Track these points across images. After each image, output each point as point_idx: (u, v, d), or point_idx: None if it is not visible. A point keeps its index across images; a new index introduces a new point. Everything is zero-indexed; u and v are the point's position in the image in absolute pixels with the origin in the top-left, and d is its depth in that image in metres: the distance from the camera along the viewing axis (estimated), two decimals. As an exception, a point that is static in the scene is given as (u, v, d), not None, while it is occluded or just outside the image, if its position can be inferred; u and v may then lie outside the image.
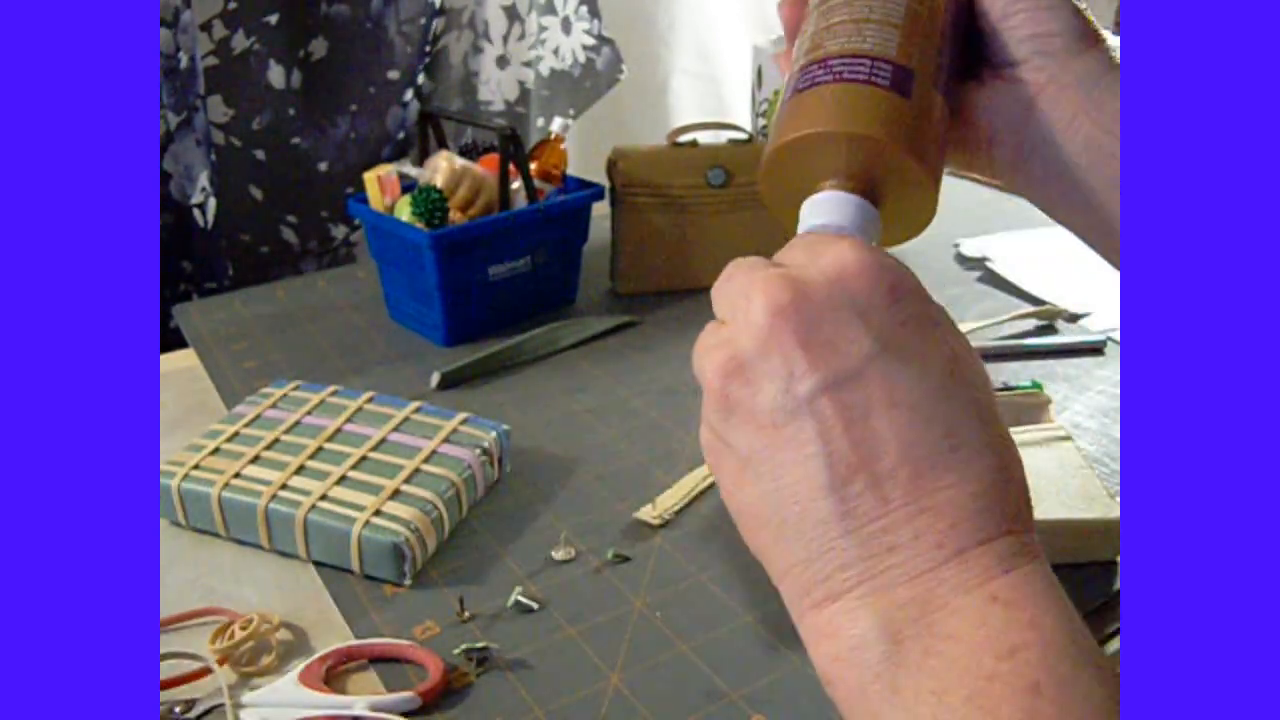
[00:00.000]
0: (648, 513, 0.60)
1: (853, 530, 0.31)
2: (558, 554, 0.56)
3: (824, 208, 0.38)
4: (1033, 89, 0.40)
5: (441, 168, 0.80)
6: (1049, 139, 0.40)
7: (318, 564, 0.56)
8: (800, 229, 0.38)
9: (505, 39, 1.11)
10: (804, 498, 0.31)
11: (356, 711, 0.45)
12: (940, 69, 0.40)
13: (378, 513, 0.54)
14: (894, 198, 0.39)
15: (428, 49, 1.06)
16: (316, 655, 0.48)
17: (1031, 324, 0.84)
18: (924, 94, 0.39)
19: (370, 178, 0.79)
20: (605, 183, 0.87)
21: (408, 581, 0.54)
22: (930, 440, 0.30)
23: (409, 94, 1.06)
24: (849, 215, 0.37)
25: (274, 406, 0.64)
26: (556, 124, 0.90)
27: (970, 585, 0.30)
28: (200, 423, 0.69)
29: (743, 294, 0.33)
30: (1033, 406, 0.63)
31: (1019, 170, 0.42)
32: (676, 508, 0.60)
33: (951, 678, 0.28)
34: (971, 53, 0.42)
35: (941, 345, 0.32)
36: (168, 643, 0.50)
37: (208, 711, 0.46)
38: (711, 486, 0.62)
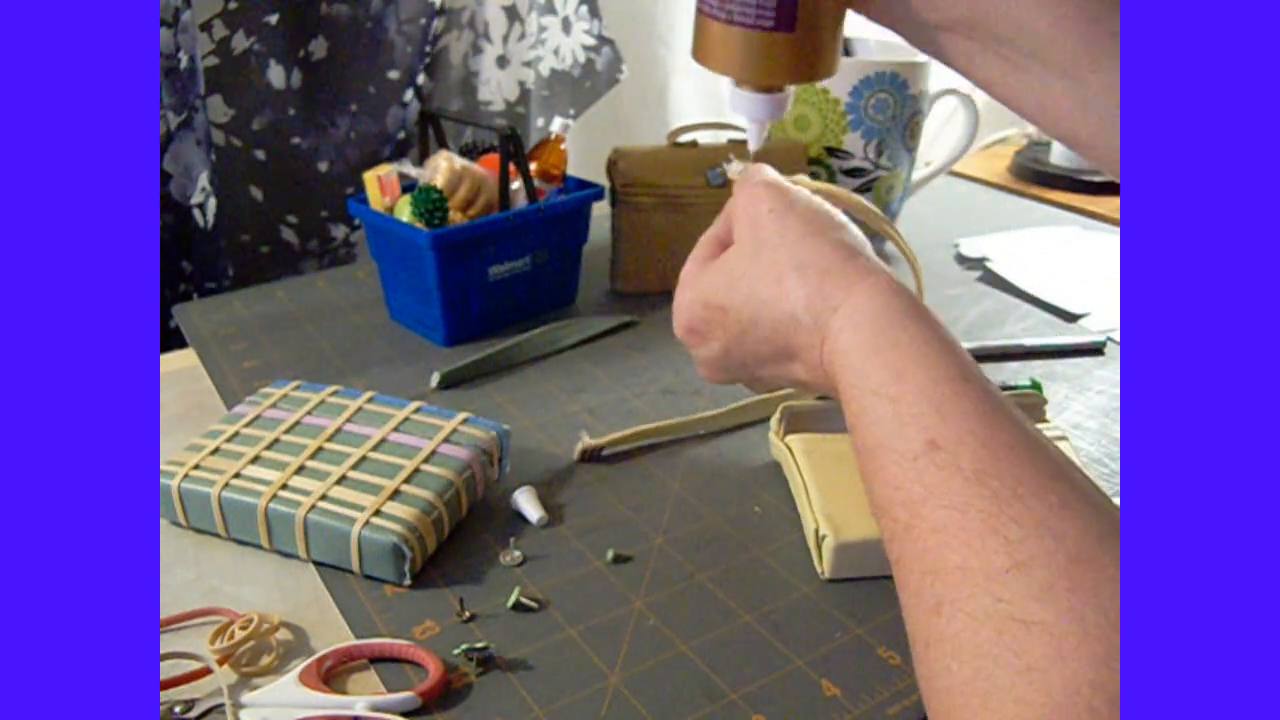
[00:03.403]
0: (586, 441, 0.65)
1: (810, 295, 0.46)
2: (505, 559, 0.56)
3: (739, 103, 0.51)
4: None
5: (441, 168, 0.80)
6: None
7: (318, 564, 0.56)
8: (729, 103, 0.52)
9: (505, 39, 1.11)
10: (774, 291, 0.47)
11: (356, 711, 0.45)
12: None
13: (378, 513, 0.54)
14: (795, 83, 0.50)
15: (428, 49, 1.06)
16: (316, 655, 0.48)
17: (1030, 323, 0.84)
18: (809, 16, 0.46)
19: (370, 178, 0.79)
20: (605, 183, 0.87)
21: (408, 581, 0.54)
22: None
23: (409, 94, 1.06)
24: (757, 109, 0.51)
25: (274, 406, 0.64)
26: (556, 124, 0.90)
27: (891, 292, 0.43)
28: (200, 423, 0.69)
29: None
30: (1029, 407, 0.63)
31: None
32: (622, 447, 0.67)
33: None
34: None
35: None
36: (168, 643, 0.50)
37: (208, 711, 0.46)
38: (656, 443, 0.62)
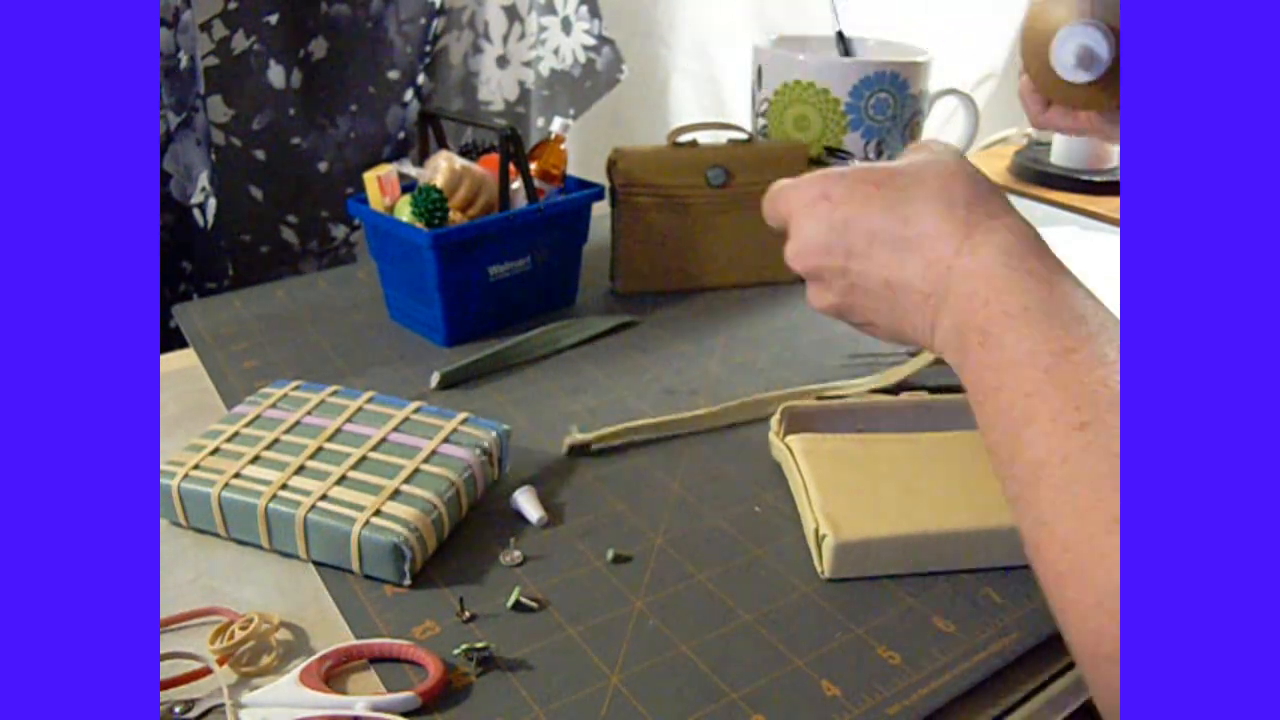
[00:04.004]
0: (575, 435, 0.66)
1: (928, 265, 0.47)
2: (505, 559, 0.56)
3: (1082, 32, 0.57)
4: None
5: (441, 168, 0.80)
6: None
7: (318, 564, 0.56)
8: (1059, 47, 0.58)
9: (505, 39, 1.11)
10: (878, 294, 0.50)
11: (356, 711, 0.45)
12: None
13: (378, 513, 0.54)
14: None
15: (428, 49, 1.06)
16: (316, 655, 0.48)
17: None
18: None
19: (370, 178, 0.79)
20: (605, 183, 0.87)
21: (408, 581, 0.54)
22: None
23: (409, 94, 1.06)
24: (1099, 40, 0.57)
25: (274, 406, 0.64)
26: (556, 124, 0.90)
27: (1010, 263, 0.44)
28: (200, 423, 0.69)
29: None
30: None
31: None
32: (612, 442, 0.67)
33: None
34: None
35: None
36: (168, 643, 0.50)
37: (208, 711, 0.46)
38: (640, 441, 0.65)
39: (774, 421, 0.65)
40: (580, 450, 0.66)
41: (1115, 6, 0.59)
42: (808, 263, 0.51)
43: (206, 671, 0.48)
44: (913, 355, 0.76)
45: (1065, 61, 0.58)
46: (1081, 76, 0.58)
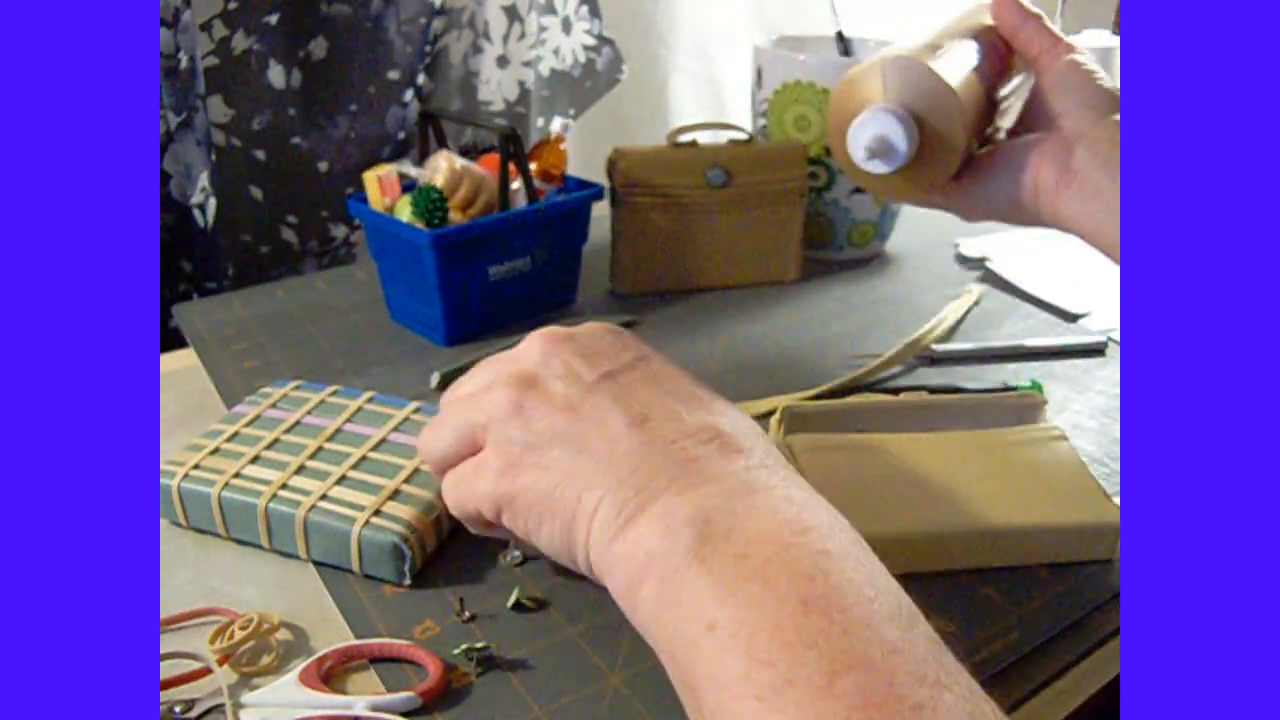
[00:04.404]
0: None
1: (657, 450, 0.38)
2: (504, 558, 0.56)
3: (876, 120, 0.53)
4: (1075, 135, 0.54)
5: (441, 168, 0.80)
6: (1085, 171, 0.52)
7: (318, 564, 0.56)
8: (852, 137, 0.54)
9: (505, 39, 1.11)
10: (610, 439, 0.39)
11: (356, 711, 0.45)
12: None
13: (377, 513, 0.54)
14: (926, 143, 0.54)
15: (428, 49, 1.06)
16: (316, 655, 0.48)
17: (1031, 323, 0.84)
18: (969, 95, 0.56)
19: (370, 178, 0.79)
20: (605, 183, 0.87)
21: (408, 581, 0.54)
22: (693, 399, 0.42)
23: (409, 94, 1.06)
24: (896, 129, 0.53)
25: (274, 406, 0.64)
26: (556, 124, 0.90)
27: (769, 485, 0.37)
28: (200, 423, 0.69)
29: (507, 357, 0.45)
30: (1030, 407, 0.63)
31: (1058, 197, 0.54)
32: None
33: (754, 547, 0.34)
34: (1026, 117, 0.60)
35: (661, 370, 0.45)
36: (168, 643, 0.50)
37: (208, 711, 0.46)
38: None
39: (774, 421, 0.65)
40: None
41: (924, 89, 0.54)
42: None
43: (206, 671, 0.48)
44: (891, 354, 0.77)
45: (858, 152, 0.54)
46: (878, 167, 0.54)
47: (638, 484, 0.37)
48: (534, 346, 0.44)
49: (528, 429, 0.41)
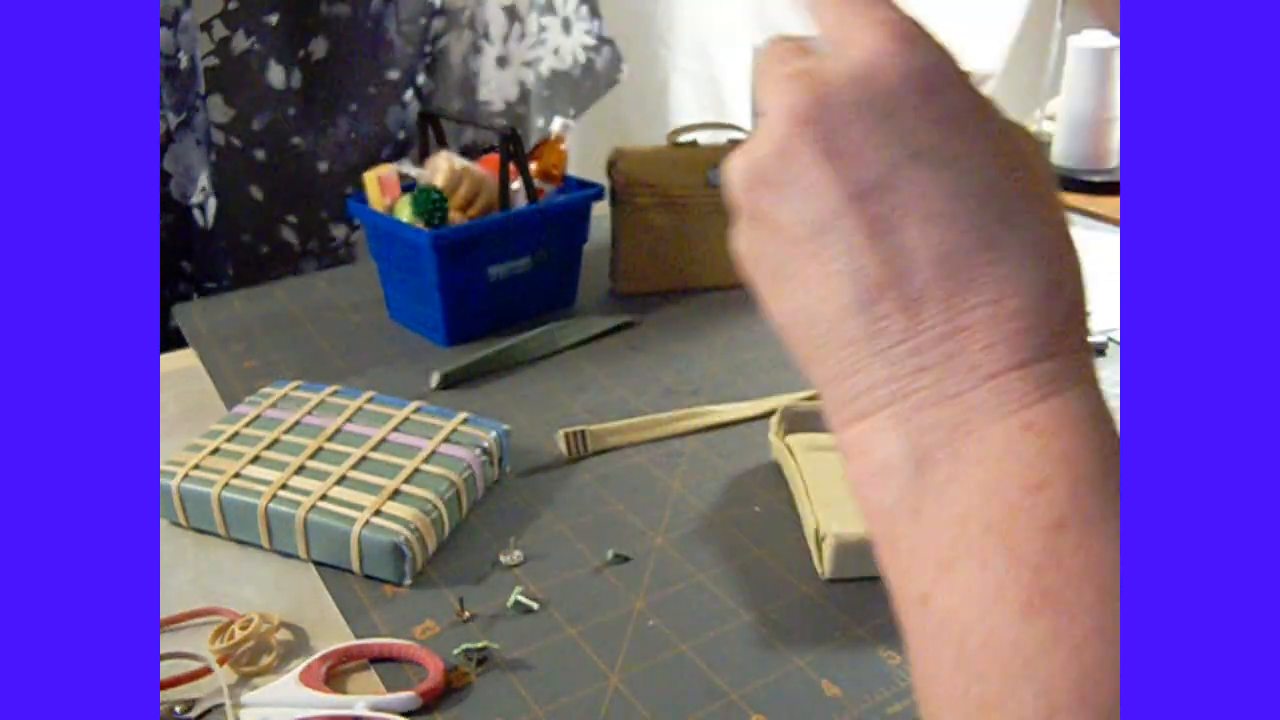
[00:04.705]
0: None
1: (881, 351, 0.29)
2: (505, 558, 0.56)
3: None
4: None
5: (441, 168, 0.80)
6: None
7: (318, 564, 0.56)
8: None
9: (505, 39, 1.11)
10: (831, 317, 0.30)
11: (356, 711, 0.45)
12: None
13: (378, 513, 0.54)
14: None
15: (428, 49, 1.06)
16: (316, 655, 0.48)
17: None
18: None
19: (370, 178, 0.79)
20: (605, 183, 0.87)
21: (408, 581, 0.54)
22: (966, 252, 0.28)
23: (409, 94, 1.06)
24: None
25: (274, 406, 0.64)
26: (556, 124, 0.90)
27: (1004, 411, 0.28)
28: (200, 423, 0.69)
29: (768, 93, 0.31)
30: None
31: None
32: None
33: (974, 505, 0.27)
34: None
35: (984, 141, 0.29)
36: (168, 643, 0.50)
37: (208, 711, 0.46)
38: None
39: (774, 421, 0.65)
40: (579, 449, 0.66)
41: None
42: (768, 148, 0.30)
43: (206, 671, 0.48)
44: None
45: None
46: None
47: (854, 390, 0.30)
48: (776, 120, 0.30)
49: (758, 243, 0.33)
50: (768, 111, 0.31)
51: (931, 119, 0.29)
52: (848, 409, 0.30)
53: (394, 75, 1.04)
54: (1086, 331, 0.30)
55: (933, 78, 0.29)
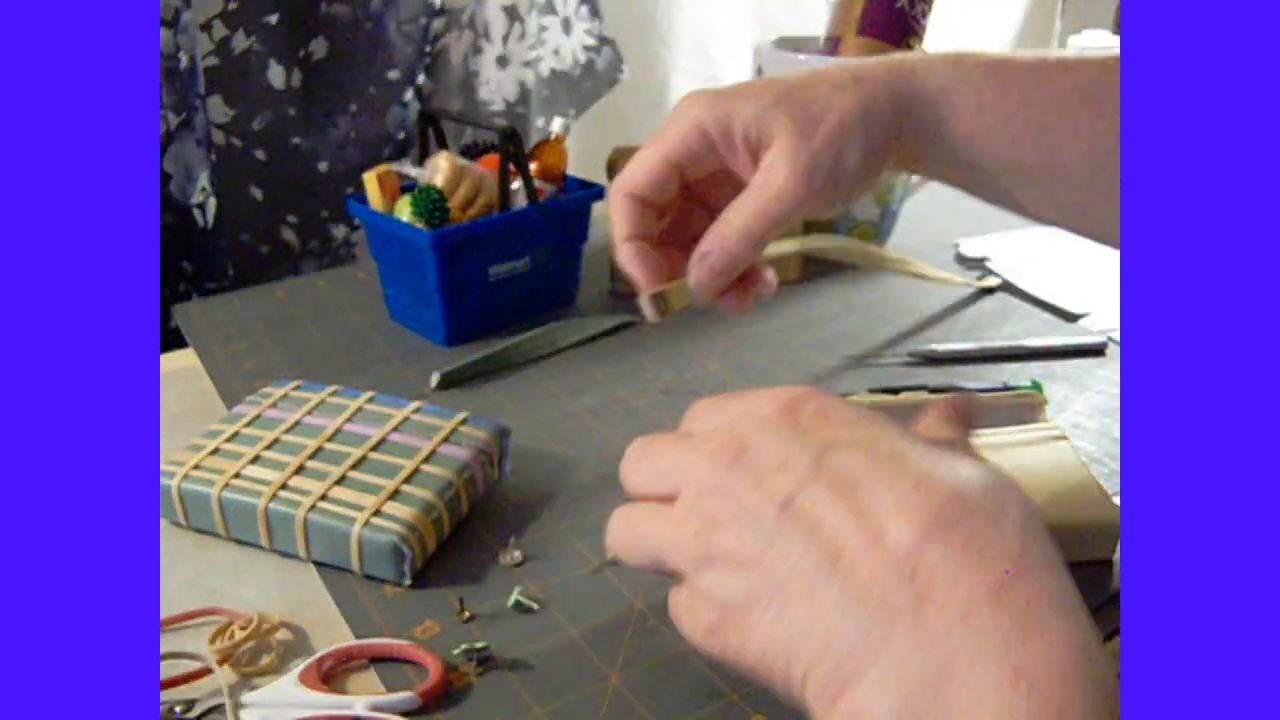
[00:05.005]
0: None
1: (854, 602, 0.30)
2: (505, 558, 0.56)
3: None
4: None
5: (441, 168, 0.80)
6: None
7: (318, 564, 0.56)
8: None
9: (505, 39, 1.11)
10: (805, 591, 0.31)
11: (356, 711, 0.45)
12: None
13: (377, 513, 0.54)
14: None
15: (428, 49, 1.06)
16: (316, 655, 0.48)
17: (1030, 323, 0.84)
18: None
19: (370, 178, 0.80)
20: (605, 183, 0.87)
21: (408, 581, 0.54)
22: (901, 493, 0.31)
23: (409, 94, 1.06)
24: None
25: (274, 406, 0.64)
26: (556, 124, 0.90)
27: (996, 647, 0.27)
28: (200, 423, 0.69)
29: (679, 467, 0.38)
30: (1029, 406, 0.63)
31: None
32: None
33: None
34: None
35: (858, 422, 0.35)
36: (168, 643, 0.50)
37: (208, 711, 0.46)
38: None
39: (774, 421, 0.65)
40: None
41: None
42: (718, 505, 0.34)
43: (206, 671, 0.48)
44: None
45: None
46: None
47: (837, 656, 0.30)
48: (700, 472, 0.36)
49: (712, 588, 0.35)
50: (686, 477, 0.38)
51: (829, 422, 0.36)
52: (833, 682, 0.30)
53: (394, 75, 1.04)
54: (1029, 526, 0.31)
55: (800, 401, 0.39)
